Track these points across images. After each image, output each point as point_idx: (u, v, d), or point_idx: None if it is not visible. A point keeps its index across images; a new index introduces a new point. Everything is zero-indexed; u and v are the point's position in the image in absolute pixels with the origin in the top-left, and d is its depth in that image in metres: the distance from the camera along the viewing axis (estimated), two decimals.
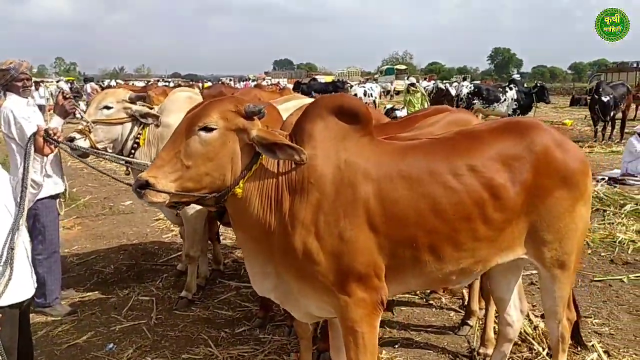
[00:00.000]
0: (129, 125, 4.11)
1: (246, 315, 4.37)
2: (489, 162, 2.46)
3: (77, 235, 6.59)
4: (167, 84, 31.37)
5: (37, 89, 18.51)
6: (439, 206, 2.36)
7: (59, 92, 4.23)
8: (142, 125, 4.15)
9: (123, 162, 3.81)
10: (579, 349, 3.48)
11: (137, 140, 4.14)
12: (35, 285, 2.62)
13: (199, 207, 3.82)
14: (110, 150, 4.10)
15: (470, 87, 14.90)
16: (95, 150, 3.56)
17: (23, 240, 2.50)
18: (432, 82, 28.10)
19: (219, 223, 5.04)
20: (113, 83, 32.08)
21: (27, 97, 4.17)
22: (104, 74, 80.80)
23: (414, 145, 2.50)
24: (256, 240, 2.45)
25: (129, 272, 5.38)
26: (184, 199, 2.35)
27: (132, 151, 4.14)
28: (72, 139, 3.84)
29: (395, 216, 2.34)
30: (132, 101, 4.07)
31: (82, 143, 3.87)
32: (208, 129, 2.27)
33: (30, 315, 4.19)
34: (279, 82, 34.77)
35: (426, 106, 12.03)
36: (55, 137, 2.48)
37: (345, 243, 2.31)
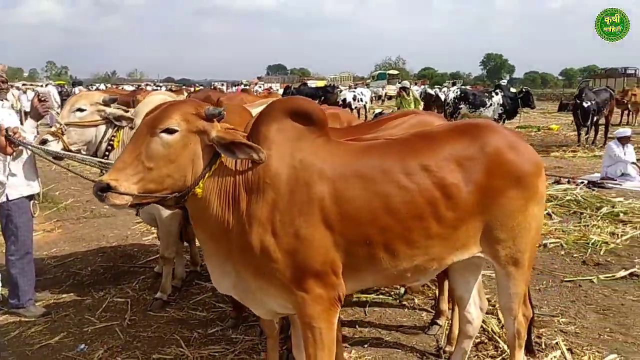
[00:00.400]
0: (102, 127, 4.14)
1: (220, 316, 4.41)
2: (442, 162, 2.52)
3: (56, 238, 6.60)
4: (158, 88, 31.37)
5: (24, 92, 18.50)
6: (392, 205, 2.43)
7: (35, 95, 4.27)
8: (116, 128, 4.19)
9: (97, 164, 3.85)
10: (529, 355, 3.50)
11: (111, 142, 4.18)
12: None
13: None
14: (84, 153, 4.14)
15: (456, 92, 15.04)
16: (58, 152, 3.60)
17: None
18: (422, 87, 28.32)
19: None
20: (103, 87, 32.02)
21: (2, 100, 4.22)
22: (95, 78, 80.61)
23: (370, 146, 2.57)
24: (215, 239, 2.50)
25: (106, 274, 5.41)
26: (145, 200, 2.40)
27: (107, 153, 4.17)
28: (44, 141, 3.88)
29: (350, 215, 2.40)
30: (106, 104, 4.11)
31: (55, 145, 3.91)
32: (170, 131, 2.32)
33: (4, 316, 4.27)
34: (270, 87, 34.94)
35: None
36: (16, 137, 2.53)
37: (301, 241, 2.36)
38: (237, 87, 40.61)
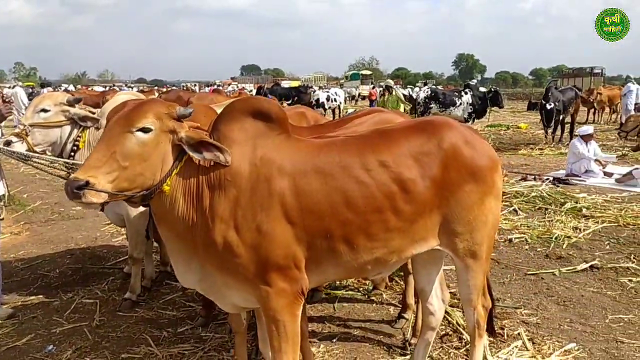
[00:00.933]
0: (67, 128, 4.14)
1: (190, 314, 4.43)
2: (399, 157, 2.60)
3: (24, 241, 6.51)
4: (129, 89, 30.98)
5: None
6: (351, 199, 2.49)
7: None
8: (81, 128, 4.19)
9: (62, 164, 3.84)
10: (491, 337, 3.64)
11: (76, 143, 4.17)
12: None
13: (142, 208, 3.87)
14: (49, 153, 4.13)
15: (427, 92, 15.22)
16: (21, 153, 3.58)
17: None
18: (395, 87, 28.51)
19: None
20: (72, 88, 31.48)
21: None
22: (65, 79, 78.99)
23: (329, 142, 2.63)
24: (181, 236, 2.53)
25: (75, 275, 5.36)
26: (115, 199, 2.42)
27: (72, 154, 4.17)
28: (9, 143, 3.86)
29: (310, 209, 2.46)
30: (70, 104, 4.10)
31: (20, 146, 3.90)
32: (145, 130, 2.35)
33: None
34: (244, 88, 34.85)
35: (402, 110, 12.08)
36: None
37: (263, 236, 2.42)
38: (210, 87, 40.38)
